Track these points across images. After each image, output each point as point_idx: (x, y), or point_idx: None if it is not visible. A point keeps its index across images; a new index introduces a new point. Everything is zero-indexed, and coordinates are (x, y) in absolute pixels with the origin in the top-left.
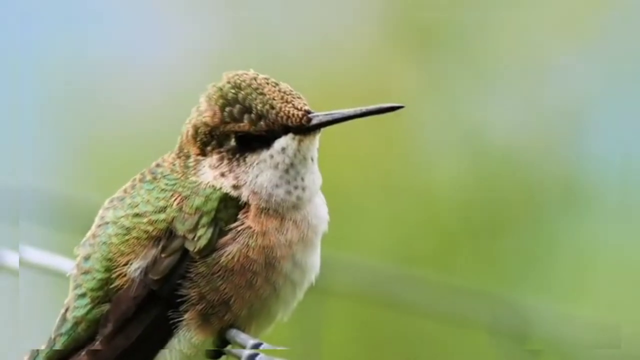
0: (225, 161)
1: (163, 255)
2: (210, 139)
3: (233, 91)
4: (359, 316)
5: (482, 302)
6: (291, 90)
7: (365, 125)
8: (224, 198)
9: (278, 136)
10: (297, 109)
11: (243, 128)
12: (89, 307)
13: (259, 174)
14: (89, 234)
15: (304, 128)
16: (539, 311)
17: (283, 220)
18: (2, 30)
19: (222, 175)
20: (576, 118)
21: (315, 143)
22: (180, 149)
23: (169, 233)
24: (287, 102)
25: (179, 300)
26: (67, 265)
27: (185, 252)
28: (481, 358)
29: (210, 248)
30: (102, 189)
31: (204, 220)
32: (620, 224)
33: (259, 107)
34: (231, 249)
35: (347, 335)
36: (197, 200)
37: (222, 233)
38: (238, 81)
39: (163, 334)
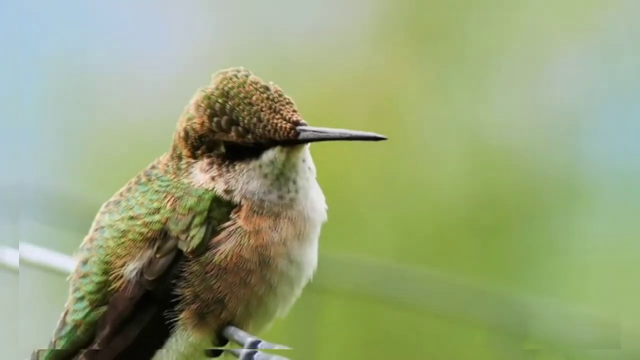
0: (215, 166)
1: (158, 256)
2: (200, 144)
3: (220, 101)
4: (358, 314)
5: (482, 301)
6: (280, 95)
7: (366, 125)
8: (217, 198)
9: (266, 148)
10: (285, 120)
11: (231, 139)
12: (87, 310)
13: (249, 181)
14: (86, 238)
15: (291, 141)
16: (539, 309)
17: (277, 218)
18: (3, 27)
19: (213, 179)
20: (576, 117)
21: (305, 151)
22: (174, 149)
23: (164, 234)
24: (275, 111)
25: (174, 300)
26: (67, 263)
27: (179, 252)
28: (481, 356)
29: (203, 248)
30: (103, 187)
31: (197, 220)
32: (620, 222)
33: (246, 120)
34: (224, 248)
35: (346, 333)
36: (190, 201)
37: (215, 232)
38: (226, 89)
39: (160, 334)
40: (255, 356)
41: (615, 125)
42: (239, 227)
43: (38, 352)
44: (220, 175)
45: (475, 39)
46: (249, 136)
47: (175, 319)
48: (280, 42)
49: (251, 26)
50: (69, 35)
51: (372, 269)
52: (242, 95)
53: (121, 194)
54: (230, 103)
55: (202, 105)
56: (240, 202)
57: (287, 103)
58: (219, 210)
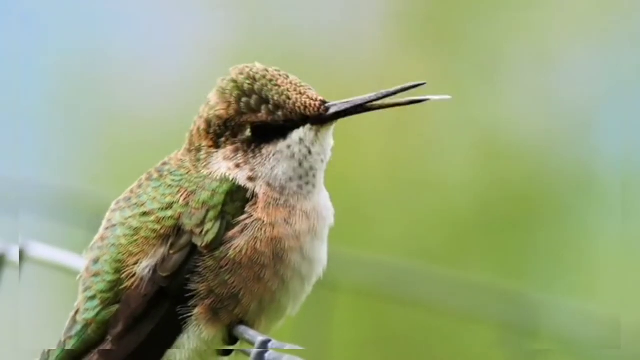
0: (241, 152)
1: (171, 252)
2: (224, 130)
3: (248, 82)
4: (369, 312)
5: (492, 298)
6: (302, 82)
7: (377, 121)
8: (231, 191)
9: (295, 126)
10: (312, 99)
11: (260, 118)
12: (98, 308)
13: (275, 165)
14: (96, 237)
15: (322, 117)
16: (550, 307)
17: (292, 210)
18: (14, 23)
19: (237, 166)
20: (588, 112)
21: (330, 134)
22: (191, 144)
23: (177, 229)
24: (301, 93)
25: (187, 295)
26: (71, 260)
27: (193, 247)
28: (491, 354)
29: (218, 242)
30: (109, 182)
31: (211, 214)
32: (633, 219)
33: (275, 98)
34: (239, 242)
35: (357, 331)
36: (204, 195)
37: (229, 226)
38: (251, 73)
39: (173, 330)
40: (266, 355)
41: (626, 121)
42: (255, 219)
43: (48, 352)
44: (245, 162)
45: (486, 36)
46: (280, 113)
47: (189, 314)
48: (292, 39)
49: (263, 24)
50: (76, 29)
51: (382, 266)
52: (268, 77)
53: (131, 191)
54: (258, 84)
55: (228, 89)
56: (259, 192)
57: (309, 89)
58: (233, 204)
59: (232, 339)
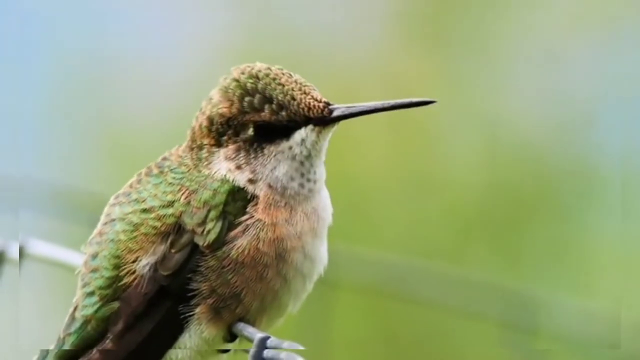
0: (242, 152)
1: (173, 251)
2: (226, 129)
3: (251, 81)
4: (371, 309)
5: (494, 296)
6: (306, 82)
7: (381, 118)
8: (232, 191)
9: (298, 127)
10: (316, 100)
11: (264, 118)
12: (97, 305)
13: (276, 166)
14: (95, 231)
15: (326, 119)
16: (552, 305)
17: (293, 211)
18: (14, 18)
19: (239, 168)
20: (593, 111)
21: (329, 135)
22: (193, 141)
23: (178, 228)
24: (305, 93)
25: (189, 294)
26: (70, 256)
27: (194, 246)
28: (492, 351)
29: (220, 242)
30: (110, 179)
31: (213, 214)
32: (633, 217)
33: (279, 97)
34: (241, 242)
35: (358, 329)
36: (205, 194)
37: (231, 226)
38: (254, 72)
39: (174, 329)
40: (264, 352)
41: (629, 120)
42: (257, 220)
43: (47, 352)
44: (247, 162)
45: (488, 34)
46: (283, 113)
47: (190, 313)
48: (292, 39)
49: (264, 23)
50: (77, 28)
51: (384, 264)
52: (272, 76)
53: (131, 186)
54: (261, 83)
55: (231, 87)
56: (259, 193)
57: (314, 89)
58: (235, 204)
59: (232, 336)
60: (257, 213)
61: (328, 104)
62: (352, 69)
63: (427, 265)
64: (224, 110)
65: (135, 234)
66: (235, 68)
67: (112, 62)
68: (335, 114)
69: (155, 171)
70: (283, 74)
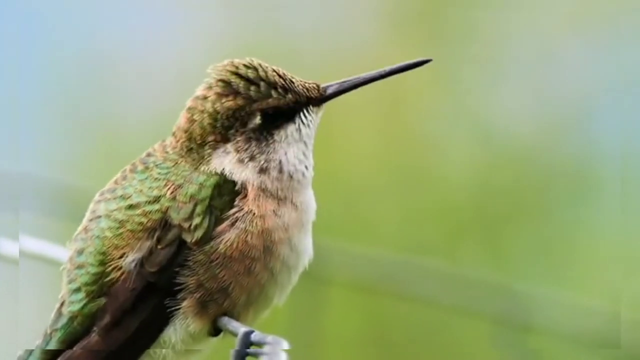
0: (253, 142)
1: (159, 247)
2: (233, 122)
3: (251, 70)
4: (362, 305)
5: (487, 292)
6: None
7: (374, 115)
8: (218, 185)
9: (299, 109)
10: (309, 83)
11: (272, 104)
12: (84, 301)
13: (287, 150)
14: (80, 228)
15: (323, 97)
16: (545, 302)
17: (282, 202)
18: (12, 17)
19: (252, 158)
20: (585, 109)
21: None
22: (190, 141)
23: (164, 223)
24: (297, 79)
25: (176, 288)
26: (67, 255)
27: (182, 242)
28: (485, 348)
29: (208, 237)
30: (106, 178)
31: (199, 208)
32: (629, 214)
33: (281, 82)
34: (230, 236)
35: (350, 325)
36: (191, 189)
37: (218, 221)
38: (247, 63)
39: (160, 323)
40: (252, 336)
41: (624, 117)
42: (246, 212)
43: (31, 352)
44: (260, 151)
45: (482, 31)
46: (290, 96)
47: (177, 307)
48: (287, 36)
49: (257, 22)
50: (77, 25)
51: (376, 260)
52: (263, 66)
53: (116, 182)
54: (260, 71)
55: (232, 79)
56: (254, 183)
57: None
58: (221, 199)
59: (216, 330)
60: (247, 205)
61: (319, 85)
62: (343, 67)
63: (419, 262)
64: (230, 103)
65: (121, 230)
66: (215, 65)
67: (109, 61)
68: (330, 90)
69: (140, 167)
70: (274, 67)
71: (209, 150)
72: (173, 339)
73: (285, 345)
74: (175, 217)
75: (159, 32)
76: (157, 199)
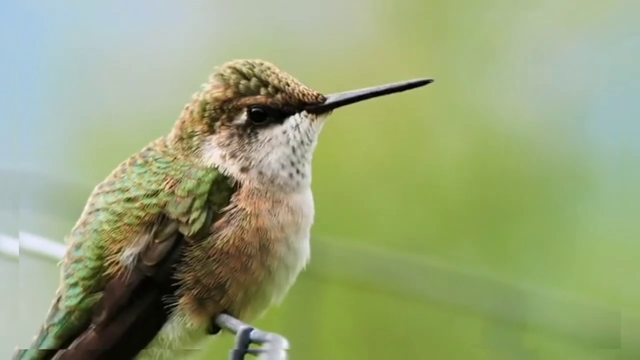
0: (235, 138)
1: (157, 241)
2: (219, 114)
3: (248, 66)
4: (358, 302)
5: (483, 289)
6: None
7: (369, 113)
8: (217, 180)
9: (292, 112)
10: (310, 90)
11: (259, 101)
12: (81, 296)
13: (269, 152)
14: (78, 222)
15: (319, 106)
16: (541, 299)
17: (277, 203)
18: (7, 14)
19: (232, 155)
20: (582, 104)
21: (321, 127)
22: (182, 130)
23: (162, 217)
24: (297, 84)
25: (173, 284)
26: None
27: (179, 236)
28: (480, 345)
29: (205, 232)
30: (105, 176)
31: (197, 203)
32: (624, 210)
33: (275, 82)
34: (226, 232)
35: (345, 322)
36: (190, 183)
37: (215, 216)
38: (249, 61)
39: (157, 319)
40: (251, 333)
41: (621, 113)
42: (240, 209)
43: (24, 351)
44: (240, 149)
45: (478, 28)
46: (279, 96)
47: (174, 304)
48: (282, 35)
49: (253, 20)
50: (77, 25)
51: (372, 257)
52: (266, 65)
53: (115, 175)
54: (257, 69)
55: (226, 72)
56: (248, 182)
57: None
58: (220, 194)
59: (215, 328)
60: (240, 202)
61: (320, 94)
62: (338, 65)
63: (415, 259)
64: (219, 93)
65: (119, 224)
66: (229, 63)
67: (107, 59)
68: (329, 100)
69: (140, 161)
70: (276, 67)
71: (197, 142)
72: (171, 336)
73: (284, 343)
74: (173, 212)
75: (157, 31)
76: (155, 193)
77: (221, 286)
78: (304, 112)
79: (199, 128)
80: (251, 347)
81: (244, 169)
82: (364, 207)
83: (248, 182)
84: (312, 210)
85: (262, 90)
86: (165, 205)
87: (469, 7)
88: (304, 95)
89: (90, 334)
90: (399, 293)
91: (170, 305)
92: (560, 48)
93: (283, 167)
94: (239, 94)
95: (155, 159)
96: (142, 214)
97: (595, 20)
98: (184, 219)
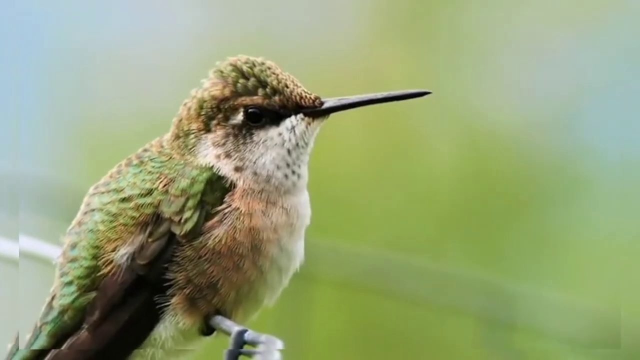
0: (231, 138)
1: (150, 240)
2: (216, 113)
3: (247, 65)
4: (349, 303)
5: (475, 290)
6: (295, 79)
7: (360, 115)
8: (211, 180)
9: (288, 114)
10: (308, 93)
11: (256, 101)
12: (75, 295)
13: (264, 153)
14: (74, 221)
15: (316, 110)
16: (532, 300)
17: (271, 204)
18: (3, 15)
19: (227, 155)
20: (573, 105)
21: (317, 131)
22: (179, 129)
23: (156, 217)
24: (297, 85)
25: (165, 284)
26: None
27: (172, 235)
28: (471, 346)
29: (197, 231)
30: (102, 176)
31: (190, 203)
32: (616, 211)
33: (274, 83)
34: (218, 232)
35: (337, 322)
36: (183, 182)
37: (208, 216)
38: (251, 59)
39: (150, 319)
40: (245, 335)
41: (612, 113)
42: (233, 208)
43: (17, 349)
44: (235, 149)
45: (469, 29)
46: (276, 98)
47: (166, 303)
48: (275, 34)
49: (247, 18)
50: (69, 26)
51: (364, 258)
52: (267, 65)
53: (111, 176)
54: (257, 68)
55: (225, 70)
56: (242, 182)
57: (303, 87)
58: (213, 194)
59: (209, 329)
60: (234, 202)
61: (318, 97)
62: (332, 65)
63: (406, 260)
64: (216, 92)
65: (114, 224)
66: (232, 58)
67: (104, 62)
68: (326, 105)
69: (135, 161)
70: (277, 67)
71: (193, 140)
72: (163, 335)
73: (279, 344)
74: (167, 211)
75: (153, 31)
76: (149, 192)
77: (213, 286)
78: (300, 115)
79: (195, 126)
80: (245, 348)
81: (238, 169)
82: (355, 208)
83: (242, 182)
84: (308, 212)
85: (260, 91)
86: (159, 204)
87: (460, 9)
88: (301, 98)
89: (83, 333)
90: (390, 294)
91: (163, 304)
92: (552, 48)
93: (278, 168)
94: (236, 93)
95: (151, 159)
96: (136, 214)
97: (588, 20)
98: (176, 218)
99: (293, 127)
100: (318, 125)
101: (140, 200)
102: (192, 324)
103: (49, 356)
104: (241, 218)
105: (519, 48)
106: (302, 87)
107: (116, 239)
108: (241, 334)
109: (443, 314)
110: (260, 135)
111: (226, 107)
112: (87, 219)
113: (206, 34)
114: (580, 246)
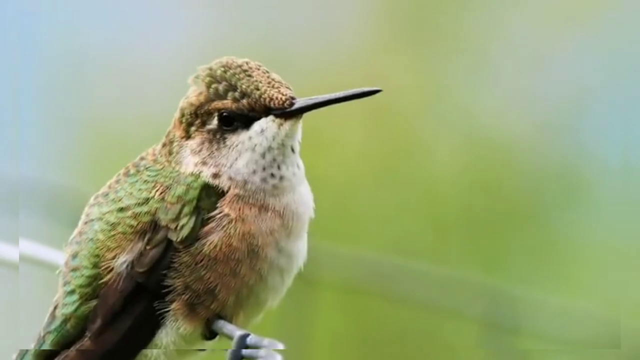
0: (206, 144)
1: (148, 247)
2: (194, 119)
3: (222, 69)
4: (351, 307)
5: (475, 294)
6: (281, 80)
7: (361, 117)
8: (206, 186)
9: (258, 117)
10: (282, 94)
11: (226, 106)
12: (77, 303)
13: (237, 158)
14: (75, 231)
15: (286, 111)
16: (533, 304)
17: (262, 208)
18: (2, 18)
19: (204, 163)
20: (575, 111)
21: (296, 131)
22: (167, 137)
23: (154, 225)
24: (273, 87)
25: (164, 291)
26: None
27: (169, 242)
28: (473, 350)
29: (193, 237)
30: (105, 182)
31: (186, 209)
32: (618, 216)
33: (243, 87)
34: (213, 238)
35: (339, 326)
36: (179, 189)
37: (204, 222)
38: (229, 62)
39: (151, 325)
40: (243, 351)
41: (613, 119)
42: (224, 214)
43: (26, 351)
44: (210, 155)
45: (471, 33)
46: (244, 101)
47: (166, 309)
48: (277, 36)
49: (249, 20)
50: (70, 29)
51: (365, 262)
52: (243, 67)
53: (109, 186)
54: (230, 72)
55: (202, 75)
56: (226, 187)
57: (286, 87)
58: (209, 200)
59: (211, 333)
60: (225, 208)
61: (293, 98)
62: (334, 70)
63: (408, 263)
64: (193, 98)
65: (113, 233)
66: (216, 60)
67: (105, 66)
68: (295, 106)
69: (132, 171)
70: (258, 68)
71: (176, 147)
72: (165, 341)
73: (281, 348)
74: (164, 218)
75: (154, 34)
76: (146, 201)
77: (211, 291)
78: (270, 117)
79: (178, 133)
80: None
81: (215, 175)
82: (357, 212)
83: (232, 187)
84: (308, 208)
85: (230, 95)
86: (156, 212)
87: (461, 10)
88: (270, 100)
89: (86, 342)
90: (391, 297)
91: (163, 310)
92: (554, 51)
93: (254, 172)
94: (209, 98)
95: (147, 168)
96: (134, 222)
97: (591, 25)
98: (173, 225)
99: (263, 130)
100: (294, 125)
101: (138, 209)
102: (193, 329)
103: None
104: (233, 223)
105: (522, 53)
106: (280, 88)
107: (116, 248)
108: (243, 338)
109: (445, 318)
110: (232, 139)
111: (202, 112)
112: (87, 228)
113: (209, 39)
114: (582, 250)
